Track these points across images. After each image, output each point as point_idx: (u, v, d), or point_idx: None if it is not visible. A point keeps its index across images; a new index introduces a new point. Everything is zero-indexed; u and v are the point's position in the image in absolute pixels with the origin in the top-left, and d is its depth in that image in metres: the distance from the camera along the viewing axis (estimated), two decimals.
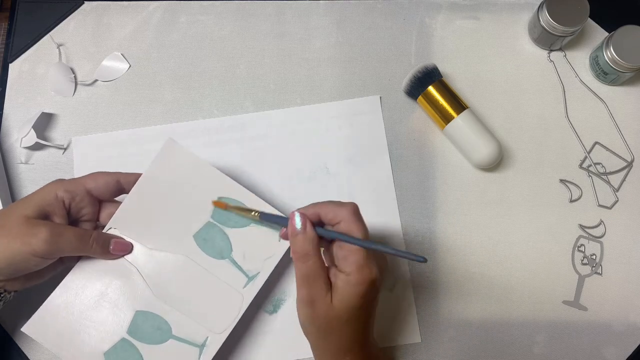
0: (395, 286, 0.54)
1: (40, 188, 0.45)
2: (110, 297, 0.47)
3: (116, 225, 0.48)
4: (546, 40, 0.59)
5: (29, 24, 0.62)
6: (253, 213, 0.47)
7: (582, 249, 0.56)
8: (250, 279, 0.48)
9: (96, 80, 0.60)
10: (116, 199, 0.49)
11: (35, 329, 0.46)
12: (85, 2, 0.63)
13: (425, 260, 0.39)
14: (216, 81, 0.60)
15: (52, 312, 0.46)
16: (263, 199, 0.49)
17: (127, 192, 0.48)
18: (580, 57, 0.61)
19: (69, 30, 0.62)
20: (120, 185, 0.47)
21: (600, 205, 0.57)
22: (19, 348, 0.53)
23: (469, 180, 0.58)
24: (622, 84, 0.60)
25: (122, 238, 0.47)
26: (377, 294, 0.42)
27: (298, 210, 0.43)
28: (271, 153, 0.58)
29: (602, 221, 0.57)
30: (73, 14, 0.62)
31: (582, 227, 0.56)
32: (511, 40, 0.62)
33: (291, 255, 0.42)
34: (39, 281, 0.46)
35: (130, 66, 0.61)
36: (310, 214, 0.42)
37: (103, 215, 0.48)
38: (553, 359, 0.53)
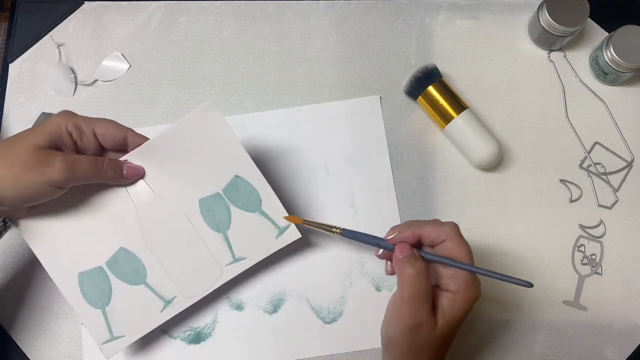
0: (395, 286, 0.54)
1: (50, 118, 0.44)
2: (102, 225, 0.48)
3: (131, 160, 0.48)
4: (546, 40, 0.59)
5: (29, 24, 0.62)
6: (334, 229, 0.47)
7: (582, 249, 0.56)
8: (236, 260, 0.49)
9: (96, 80, 0.60)
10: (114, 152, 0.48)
11: (28, 228, 0.47)
12: (85, 2, 0.63)
13: (531, 285, 0.40)
14: (216, 81, 0.60)
15: (47, 216, 0.47)
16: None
17: (128, 152, 0.47)
18: (580, 57, 0.61)
19: (69, 30, 0.62)
20: (126, 141, 0.47)
21: (600, 205, 0.57)
22: (19, 348, 0.53)
23: (469, 180, 0.58)
24: (622, 84, 0.60)
25: (132, 163, 0.47)
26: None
27: (395, 230, 0.44)
28: (271, 153, 0.58)
29: (602, 221, 0.57)
30: (73, 14, 0.62)
31: (582, 227, 0.56)
32: (511, 40, 0.62)
33: (397, 277, 0.42)
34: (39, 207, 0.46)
35: (130, 66, 0.61)
36: (409, 235, 0.43)
37: None
38: (553, 359, 0.53)
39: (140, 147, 0.47)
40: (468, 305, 0.41)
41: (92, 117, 0.45)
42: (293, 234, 0.50)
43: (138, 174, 0.48)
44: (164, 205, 0.48)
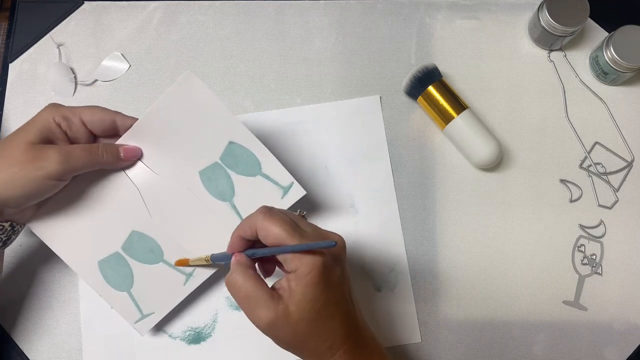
0: (396, 286, 0.54)
1: (37, 114, 0.44)
2: (110, 212, 0.49)
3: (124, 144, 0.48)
4: (546, 40, 0.59)
5: (29, 24, 0.62)
6: (205, 258, 0.46)
7: (582, 249, 0.56)
8: None
9: (96, 80, 0.60)
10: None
11: (41, 227, 0.48)
12: (85, 2, 0.63)
13: (335, 245, 0.36)
14: (216, 81, 0.60)
15: (55, 213, 0.48)
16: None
17: (120, 135, 0.47)
18: (580, 57, 0.61)
19: (69, 30, 0.62)
20: (115, 125, 0.47)
21: (600, 205, 0.57)
22: (19, 348, 0.53)
23: (469, 180, 0.58)
24: (622, 84, 0.60)
25: (128, 145, 0.47)
26: (337, 275, 0.39)
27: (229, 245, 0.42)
28: (271, 153, 0.58)
29: (602, 221, 0.57)
30: (73, 14, 0.62)
31: (582, 227, 0.56)
32: (511, 40, 0.62)
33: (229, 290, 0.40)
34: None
35: (130, 66, 0.61)
36: (236, 240, 0.41)
37: None
38: (553, 359, 0.53)
39: (131, 129, 0.47)
40: (313, 273, 0.37)
41: (78, 106, 0.45)
42: (298, 191, 0.50)
43: (136, 155, 0.48)
44: (165, 183, 0.49)
